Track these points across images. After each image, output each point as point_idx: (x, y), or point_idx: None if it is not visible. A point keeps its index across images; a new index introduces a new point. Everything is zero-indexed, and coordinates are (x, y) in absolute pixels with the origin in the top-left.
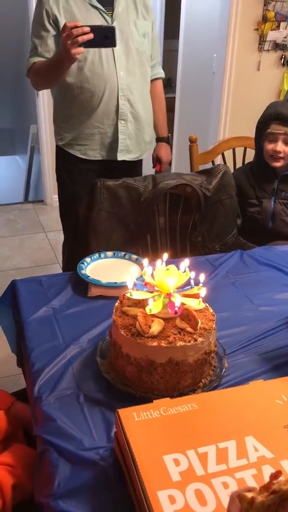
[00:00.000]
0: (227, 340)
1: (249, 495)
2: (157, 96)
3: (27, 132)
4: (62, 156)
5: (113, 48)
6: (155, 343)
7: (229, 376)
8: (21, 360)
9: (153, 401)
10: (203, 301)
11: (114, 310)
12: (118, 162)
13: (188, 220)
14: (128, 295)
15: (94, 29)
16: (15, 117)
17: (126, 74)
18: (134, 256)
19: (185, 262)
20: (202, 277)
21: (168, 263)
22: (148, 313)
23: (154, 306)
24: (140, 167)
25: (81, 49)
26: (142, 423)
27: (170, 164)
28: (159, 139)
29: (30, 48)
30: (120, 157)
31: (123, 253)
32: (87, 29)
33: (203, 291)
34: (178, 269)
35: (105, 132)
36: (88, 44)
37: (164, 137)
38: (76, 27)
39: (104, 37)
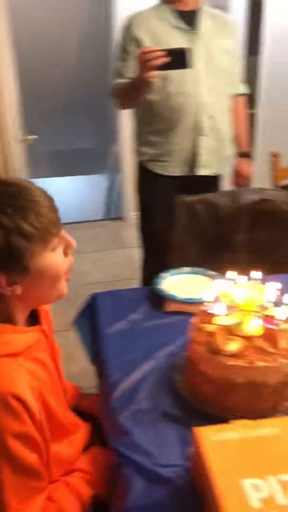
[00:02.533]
0: None
1: None
2: (239, 112)
3: (108, 151)
4: (143, 172)
5: (196, 66)
6: (233, 362)
7: None
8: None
9: (230, 421)
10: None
11: (191, 326)
12: (198, 177)
13: (269, 238)
14: (205, 309)
15: (167, 52)
16: (97, 137)
17: (208, 91)
18: (212, 273)
19: (276, 282)
20: (286, 297)
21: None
22: (221, 323)
23: (229, 319)
24: (220, 182)
25: (156, 73)
26: (220, 444)
27: (249, 181)
28: (240, 154)
29: (113, 70)
30: (200, 172)
31: (200, 269)
32: (160, 53)
33: (283, 313)
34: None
35: (186, 148)
36: (163, 67)
37: (245, 151)
38: (150, 51)
39: (177, 59)
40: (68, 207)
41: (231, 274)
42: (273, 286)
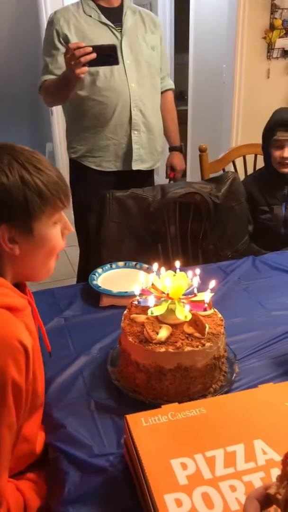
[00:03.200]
0: (238, 346)
1: (272, 490)
2: (168, 107)
3: (44, 150)
4: (76, 169)
5: (124, 62)
6: (163, 349)
7: (240, 381)
8: None
9: (161, 406)
10: (209, 307)
11: (123, 318)
12: (131, 172)
13: (199, 228)
14: (135, 302)
15: (96, 48)
16: (32, 136)
17: (137, 86)
18: (145, 266)
19: (196, 271)
20: (212, 283)
21: (180, 271)
22: (149, 314)
23: (156, 310)
24: (153, 177)
25: (85, 68)
26: (150, 428)
27: (184, 174)
28: (172, 148)
29: (42, 66)
30: (135, 166)
31: (134, 262)
32: (89, 49)
33: (207, 296)
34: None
35: (119, 143)
36: (91, 63)
37: (176, 146)
38: (79, 47)
39: (106, 55)
40: None
41: (157, 265)
42: (195, 275)
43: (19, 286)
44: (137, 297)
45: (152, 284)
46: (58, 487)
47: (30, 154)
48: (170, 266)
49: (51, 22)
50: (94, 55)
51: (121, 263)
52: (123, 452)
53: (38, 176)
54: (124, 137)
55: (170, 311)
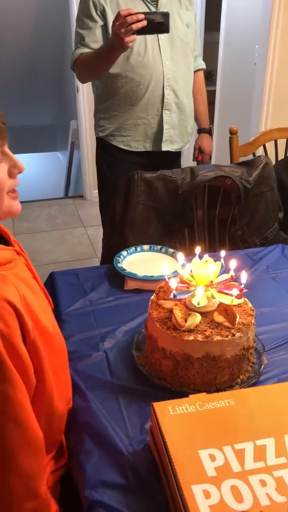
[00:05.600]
0: (266, 336)
1: None
2: (199, 87)
3: (68, 128)
4: (103, 148)
5: (159, 38)
6: (191, 337)
7: (268, 373)
8: None
9: (189, 395)
10: (240, 296)
11: (150, 303)
12: (159, 153)
13: (227, 213)
14: (171, 296)
15: (147, 15)
16: (55, 114)
17: (171, 64)
18: (171, 250)
19: (221, 254)
20: (244, 275)
21: (204, 257)
22: (197, 306)
23: (202, 300)
24: (180, 159)
25: (134, 36)
26: (177, 417)
27: (210, 157)
28: (201, 130)
29: (75, 41)
30: (165, 147)
31: (159, 246)
32: (142, 16)
33: (235, 291)
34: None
35: (149, 123)
36: (141, 32)
37: (206, 128)
38: (130, 14)
39: (157, 23)
40: (26, 185)
41: (188, 250)
42: (229, 262)
43: (2, 239)
44: (166, 282)
45: (182, 269)
46: (80, 469)
47: None
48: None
49: None
50: (145, 22)
51: (146, 247)
52: (146, 438)
53: None
54: (155, 116)
55: (200, 299)
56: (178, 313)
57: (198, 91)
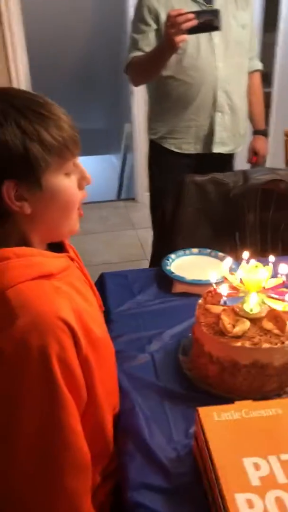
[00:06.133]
0: None
1: None
2: (255, 89)
3: (122, 131)
4: (155, 150)
5: (213, 40)
6: (239, 344)
7: None
8: None
9: (235, 402)
10: None
11: (197, 307)
12: (211, 156)
13: (281, 218)
14: (221, 302)
15: (198, 14)
16: (110, 117)
17: (224, 66)
18: (221, 254)
19: (270, 258)
20: None
21: (278, 261)
22: (250, 312)
23: (255, 306)
24: (233, 161)
25: (184, 36)
26: (223, 423)
27: (265, 160)
28: (256, 132)
29: (129, 45)
30: (216, 149)
31: (209, 250)
32: (191, 15)
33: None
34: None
35: (201, 125)
36: (192, 31)
37: (261, 129)
38: (180, 14)
39: (208, 21)
40: None
41: (239, 255)
42: (283, 268)
43: (57, 245)
44: (215, 286)
45: (231, 274)
46: (123, 471)
47: (29, 97)
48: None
49: (141, 0)
50: (195, 22)
51: (195, 250)
52: (191, 443)
53: (39, 122)
54: (207, 118)
55: (249, 305)
56: (225, 319)
57: (254, 92)
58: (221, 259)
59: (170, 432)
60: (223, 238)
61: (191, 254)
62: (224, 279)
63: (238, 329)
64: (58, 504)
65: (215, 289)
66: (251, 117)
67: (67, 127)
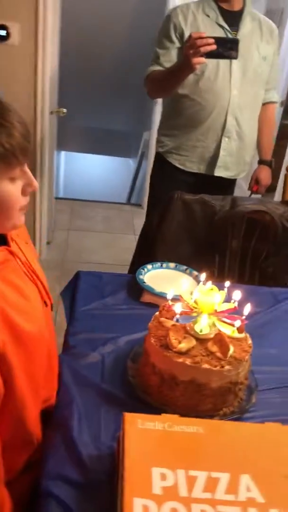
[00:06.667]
0: (265, 377)
1: None
2: (267, 120)
3: (140, 137)
4: (160, 163)
5: (231, 66)
6: (180, 360)
7: (254, 412)
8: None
9: (162, 414)
10: (242, 330)
11: (152, 319)
12: (212, 178)
13: (262, 249)
14: (174, 320)
15: (218, 40)
16: (133, 122)
17: (239, 93)
18: (195, 273)
19: (226, 284)
20: (247, 307)
21: (229, 288)
22: (200, 333)
23: (205, 328)
24: (234, 186)
25: (202, 59)
26: (144, 431)
27: (266, 190)
28: (261, 162)
29: (151, 58)
30: (217, 172)
31: (185, 267)
32: (211, 40)
33: (238, 322)
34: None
35: (207, 146)
36: (210, 55)
37: (267, 160)
38: (201, 37)
39: (227, 49)
40: (93, 185)
41: (216, 278)
42: (236, 294)
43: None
44: (171, 301)
45: (189, 293)
46: (43, 460)
47: None
48: (221, 279)
49: (169, 16)
50: (214, 47)
51: (172, 264)
52: (115, 445)
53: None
54: (214, 141)
55: (198, 324)
56: (173, 334)
57: (266, 122)
58: (195, 277)
59: (99, 432)
60: (203, 258)
61: (168, 268)
62: (180, 297)
63: (182, 346)
64: None
65: (170, 305)
66: (259, 147)
67: (18, 135)
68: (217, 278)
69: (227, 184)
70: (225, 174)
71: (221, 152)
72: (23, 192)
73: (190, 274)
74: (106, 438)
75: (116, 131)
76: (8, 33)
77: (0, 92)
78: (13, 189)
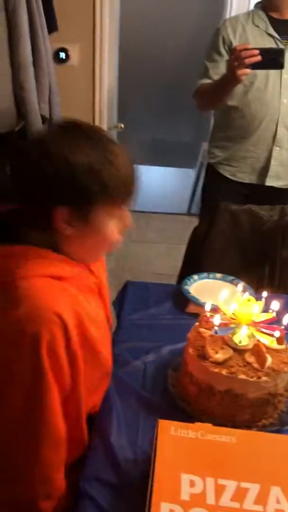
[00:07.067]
0: None
1: None
2: None
3: (199, 149)
4: (211, 174)
5: (281, 76)
6: (216, 370)
7: None
8: None
9: (195, 423)
10: (282, 342)
11: (191, 329)
12: (264, 187)
13: None
14: (213, 332)
15: (262, 51)
16: (194, 132)
17: None
18: (242, 283)
19: (263, 294)
20: (286, 317)
21: (271, 297)
22: (239, 344)
23: (244, 339)
24: (287, 195)
25: (247, 70)
26: (176, 438)
27: None
28: None
29: (200, 71)
30: (269, 182)
31: (231, 277)
32: (256, 51)
33: (277, 332)
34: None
35: (258, 157)
36: (255, 66)
37: None
38: (246, 49)
39: (271, 59)
40: (154, 196)
41: (266, 289)
42: (275, 304)
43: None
44: (215, 327)
45: (228, 303)
46: (83, 462)
47: (108, 142)
48: (272, 289)
49: (218, 30)
50: (259, 58)
51: (219, 275)
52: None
53: (108, 168)
54: (265, 151)
55: (236, 335)
56: (210, 344)
57: None
58: (242, 288)
59: (136, 438)
60: (252, 268)
61: (214, 278)
62: (218, 308)
63: (219, 356)
64: (34, 470)
65: (209, 315)
66: None
67: (129, 182)
68: (267, 288)
69: (280, 194)
70: (277, 183)
71: (272, 162)
72: (119, 231)
73: (236, 284)
74: (143, 443)
75: (177, 142)
76: (67, 55)
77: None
78: (113, 226)
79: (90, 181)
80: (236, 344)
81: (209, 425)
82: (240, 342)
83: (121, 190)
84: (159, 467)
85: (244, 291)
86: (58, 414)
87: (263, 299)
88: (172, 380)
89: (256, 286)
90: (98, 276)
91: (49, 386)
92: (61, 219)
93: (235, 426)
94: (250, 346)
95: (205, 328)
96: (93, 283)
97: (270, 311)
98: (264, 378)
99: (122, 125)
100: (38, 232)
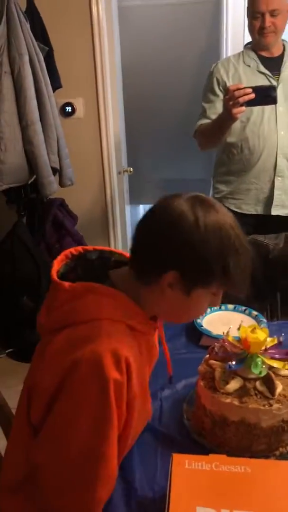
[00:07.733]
0: None
1: None
2: None
3: (208, 186)
4: None
5: (276, 109)
6: (228, 400)
7: None
8: None
9: (209, 454)
10: None
11: (202, 361)
12: (271, 216)
13: None
14: (227, 367)
15: (255, 89)
16: (203, 170)
17: (286, 133)
18: (254, 313)
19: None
20: None
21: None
22: (251, 374)
23: (254, 368)
24: None
25: (242, 108)
26: (191, 472)
27: None
28: None
29: (199, 112)
30: (274, 211)
31: (244, 308)
32: (249, 90)
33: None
34: None
35: (261, 188)
36: (249, 103)
37: None
38: (239, 89)
39: (265, 96)
40: None
41: (281, 314)
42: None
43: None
44: (229, 363)
45: (225, 337)
46: None
47: (241, 235)
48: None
49: (212, 72)
50: (252, 96)
51: (230, 306)
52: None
53: (235, 261)
54: (267, 182)
55: (246, 364)
56: (219, 376)
57: None
58: (254, 317)
59: (155, 472)
60: (264, 297)
61: (226, 309)
62: (224, 339)
63: (229, 386)
64: (87, 504)
65: (217, 346)
66: None
67: (247, 272)
68: (282, 314)
69: (286, 222)
70: (283, 212)
71: (276, 192)
72: (207, 306)
73: (249, 314)
74: (161, 478)
75: (188, 179)
76: (73, 109)
77: (69, 167)
78: (207, 302)
79: (217, 265)
80: (246, 373)
81: (223, 456)
82: (260, 372)
83: (236, 281)
84: (173, 501)
85: (257, 320)
86: (116, 448)
87: (266, 325)
88: (187, 414)
89: (270, 315)
90: (161, 331)
91: (113, 425)
92: (168, 281)
93: (252, 456)
94: (261, 375)
95: (215, 359)
96: (153, 339)
97: (274, 336)
98: (276, 406)
99: (131, 169)
100: (135, 281)
